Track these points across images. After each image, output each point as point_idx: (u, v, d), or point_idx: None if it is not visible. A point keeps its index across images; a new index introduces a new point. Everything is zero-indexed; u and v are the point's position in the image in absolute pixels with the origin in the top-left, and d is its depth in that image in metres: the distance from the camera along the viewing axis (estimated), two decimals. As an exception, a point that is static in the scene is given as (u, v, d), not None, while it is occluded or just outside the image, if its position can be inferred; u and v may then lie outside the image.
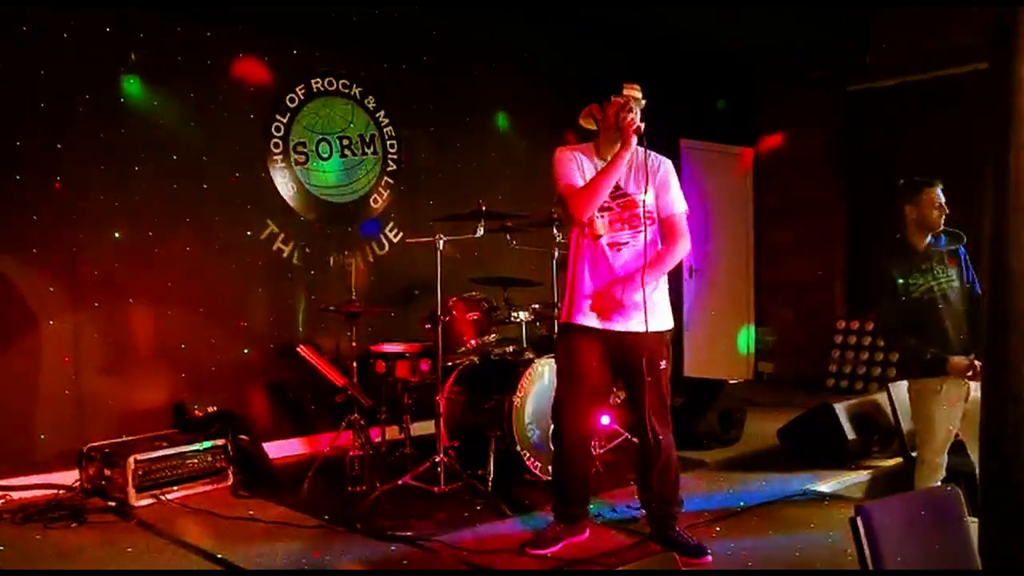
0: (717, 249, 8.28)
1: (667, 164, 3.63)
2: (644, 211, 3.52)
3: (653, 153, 3.55)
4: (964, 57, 6.68)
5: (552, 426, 3.84)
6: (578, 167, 3.57)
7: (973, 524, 2.30)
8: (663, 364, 3.58)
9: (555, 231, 5.19)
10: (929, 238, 4.09)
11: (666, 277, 3.64)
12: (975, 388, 3.93)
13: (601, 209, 3.54)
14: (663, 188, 3.58)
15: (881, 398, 5.26)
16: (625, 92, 3.52)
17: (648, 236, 3.51)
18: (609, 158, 3.52)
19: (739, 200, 8.55)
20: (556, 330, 3.68)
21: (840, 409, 5.07)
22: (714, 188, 8.16)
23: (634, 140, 3.43)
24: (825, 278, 8.14)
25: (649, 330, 3.49)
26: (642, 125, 3.43)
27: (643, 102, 3.55)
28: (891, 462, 5.05)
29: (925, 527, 2.17)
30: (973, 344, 3.97)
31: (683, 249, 3.62)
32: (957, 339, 4.01)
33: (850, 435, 5.00)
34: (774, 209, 8.46)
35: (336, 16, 5.73)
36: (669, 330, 3.66)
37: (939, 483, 4.08)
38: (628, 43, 6.99)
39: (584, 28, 6.82)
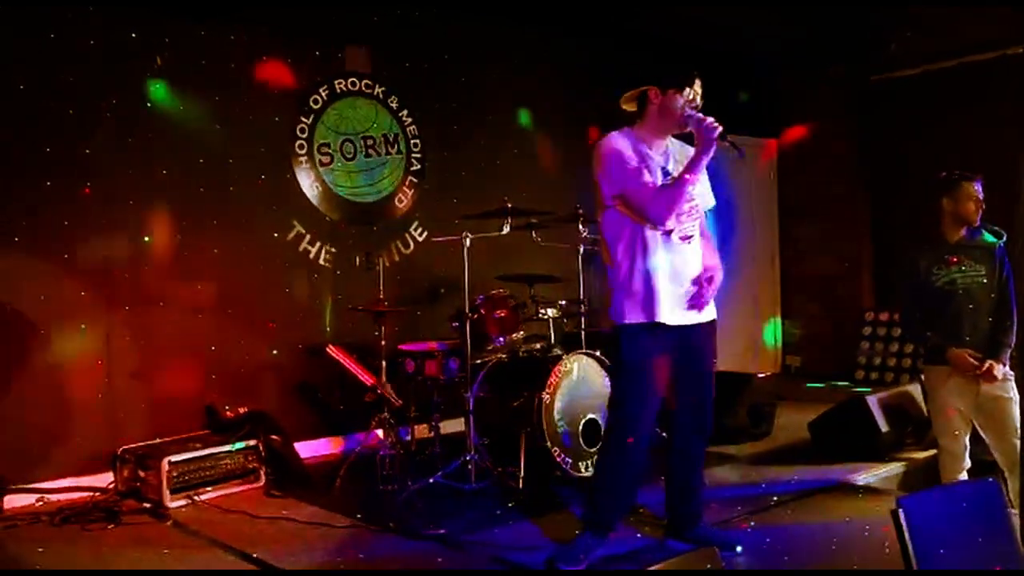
0: (743, 242, 8.21)
1: None
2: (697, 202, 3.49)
3: (687, 145, 3.48)
4: (990, 44, 6.59)
5: (604, 432, 3.57)
6: (641, 159, 3.33)
7: (1015, 516, 2.27)
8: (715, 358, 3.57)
9: (580, 227, 5.17)
10: (964, 232, 4.04)
11: None
12: (988, 384, 3.91)
13: None
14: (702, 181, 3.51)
15: (914, 389, 5.21)
16: (697, 87, 3.36)
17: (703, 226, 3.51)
18: (659, 150, 3.42)
19: (764, 193, 8.47)
20: (622, 331, 3.41)
21: (873, 401, 5.01)
22: (739, 181, 8.08)
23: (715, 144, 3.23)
24: (852, 270, 8.05)
25: (709, 321, 3.54)
26: (721, 127, 3.22)
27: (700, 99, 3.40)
28: (926, 454, 4.98)
29: (967, 519, 2.15)
30: (990, 342, 3.93)
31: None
32: (972, 334, 3.96)
33: (883, 427, 4.94)
34: (799, 201, 8.37)
35: (358, 17, 5.75)
36: None
37: (964, 473, 4.06)
38: (649, 40, 6.94)
39: (605, 25, 6.79)
